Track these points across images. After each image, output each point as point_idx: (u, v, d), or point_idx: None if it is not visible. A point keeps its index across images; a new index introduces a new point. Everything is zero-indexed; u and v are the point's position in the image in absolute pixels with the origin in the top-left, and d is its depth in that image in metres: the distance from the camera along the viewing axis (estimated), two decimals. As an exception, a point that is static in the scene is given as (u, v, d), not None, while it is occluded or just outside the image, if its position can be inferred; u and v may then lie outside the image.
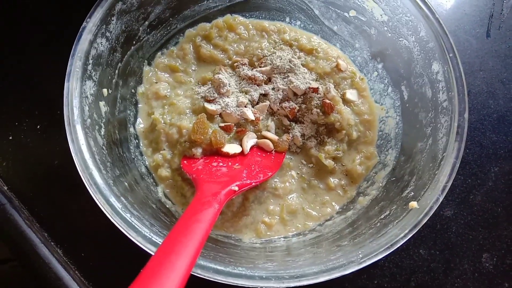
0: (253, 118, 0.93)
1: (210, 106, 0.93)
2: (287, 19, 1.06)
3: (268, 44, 1.03)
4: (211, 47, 1.02)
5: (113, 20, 0.85)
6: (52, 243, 0.95)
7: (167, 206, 0.91)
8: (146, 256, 0.65)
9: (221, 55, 1.02)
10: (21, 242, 0.94)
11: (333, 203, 0.96)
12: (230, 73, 0.99)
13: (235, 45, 1.02)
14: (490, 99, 1.10)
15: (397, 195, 0.84)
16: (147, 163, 0.95)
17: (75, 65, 0.79)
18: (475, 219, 1.00)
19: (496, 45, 1.14)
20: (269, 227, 0.92)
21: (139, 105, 0.99)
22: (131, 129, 0.97)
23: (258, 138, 0.95)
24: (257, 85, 0.97)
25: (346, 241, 0.80)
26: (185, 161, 0.89)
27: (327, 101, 0.94)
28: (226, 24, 1.03)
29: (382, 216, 0.81)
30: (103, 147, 0.83)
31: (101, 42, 0.84)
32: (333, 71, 0.99)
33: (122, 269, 0.84)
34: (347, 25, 1.02)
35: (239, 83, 0.98)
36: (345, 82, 0.99)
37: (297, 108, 0.96)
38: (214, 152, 0.91)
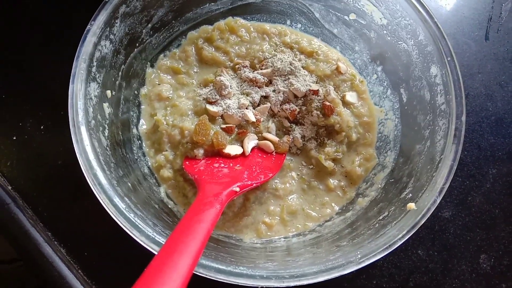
0: (254, 120, 0.94)
1: (212, 108, 0.94)
2: (288, 22, 1.08)
3: (269, 46, 1.04)
4: (213, 49, 1.03)
5: (117, 22, 0.86)
6: (56, 242, 0.96)
7: (170, 206, 0.92)
8: (149, 255, 0.66)
9: (223, 57, 1.03)
10: (25, 241, 0.95)
11: (333, 204, 0.97)
12: (231, 75, 1.00)
13: (236, 48, 1.03)
14: (488, 102, 1.11)
15: (395, 197, 0.85)
16: (149, 164, 0.97)
17: (79, 67, 0.80)
18: (473, 220, 1.01)
19: (495, 48, 1.15)
20: (269, 228, 0.93)
21: (142, 107, 1.01)
22: (134, 130, 0.98)
23: (259, 139, 0.96)
24: (258, 87, 0.98)
25: (345, 242, 0.81)
26: (187, 162, 0.90)
27: (327, 103, 0.95)
28: (228, 27, 1.04)
29: (381, 217, 0.82)
30: (107, 148, 0.84)
31: (105, 45, 0.85)
32: (333, 73, 1.00)
33: (125, 269, 0.85)
34: (347, 28, 1.03)
35: (241, 85, 0.99)
36: (345, 85, 1.00)
37: (298, 110, 0.97)
38: (215, 153, 0.92)
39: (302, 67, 1.00)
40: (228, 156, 0.91)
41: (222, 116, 0.95)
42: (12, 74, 1.08)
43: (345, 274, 0.73)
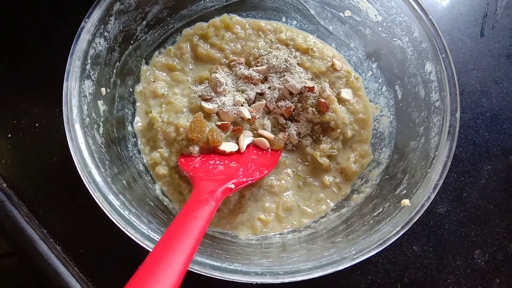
0: (250, 117, 0.94)
1: (207, 105, 0.94)
2: (283, 19, 1.08)
3: (264, 43, 1.04)
4: (208, 46, 1.03)
5: (111, 20, 0.86)
6: (51, 240, 0.96)
7: (165, 203, 0.92)
8: (144, 252, 0.66)
9: (218, 54, 1.03)
10: (21, 238, 0.95)
11: (328, 201, 0.97)
12: (227, 72, 1.00)
13: (232, 44, 1.03)
14: (483, 98, 1.11)
15: (390, 193, 0.85)
16: (145, 161, 0.97)
17: (74, 65, 0.80)
18: (468, 216, 1.02)
19: (490, 44, 1.16)
20: (265, 224, 0.93)
21: (137, 104, 1.00)
22: (129, 128, 0.98)
23: (254, 136, 0.96)
24: (254, 84, 0.98)
25: (340, 238, 0.82)
26: (182, 159, 0.90)
27: (323, 100, 0.95)
28: (223, 24, 1.04)
29: (375, 214, 0.83)
30: (102, 145, 0.84)
31: (99, 42, 0.85)
32: (329, 70, 1.00)
33: (120, 265, 0.85)
34: (342, 25, 1.03)
35: (236, 82, 0.99)
36: (340, 81, 1.00)
37: (293, 107, 0.97)
38: (211, 150, 0.92)
39: (297, 64, 1.00)
40: (223, 153, 0.91)
41: (217, 113, 0.95)
42: (6, 72, 1.08)
43: (340, 270, 0.73)
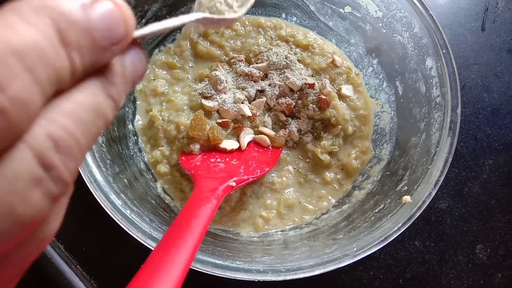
0: (250, 114, 0.94)
1: (208, 103, 0.94)
2: (283, 15, 1.07)
3: (264, 40, 1.03)
4: (208, 44, 1.03)
5: (110, 18, 0.86)
6: (54, 239, 0.97)
7: (166, 201, 0.93)
8: (146, 250, 0.67)
9: (218, 52, 1.02)
10: (23, 237, 0.95)
11: (329, 197, 0.97)
12: (227, 69, 1.00)
13: (231, 42, 1.03)
14: (484, 93, 1.11)
15: (391, 189, 0.86)
16: (146, 160, 0.97)
17: (73, 64, 0.80)
18: (469, 211, 1.02)
19: (491, 38, 1.15)
20: (266, 221, 0.94)
21: (137, 102, 1.00)
22: (130, 126, 0.98)
23: (255, 133, 0.96)
24: (254, 82, 0.98)
25: (341, 235, 0.82)
26: (183, 157, 0.91)
27: (323, 96, 0.95)
28: (223, 21, 1.03)
29: (377, 210, 0.83)
30: (103, 144, 0.84)
31: (99, 41, 0.84)
32: (329, 66, 1.00)
33: (123, 264, 0.86)
34: (343, 21, 1.02)
35: (236, 80, 0.99)
36: (341, 78, 1.00)
37: (294, 103, 0.97)
38: (211, 148, 0.92)
39: (297, 60, 1.00)
40: (224, 151, 0.91)
41: (218, 111, 0.95)
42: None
43: (342, 266, 0.73)
